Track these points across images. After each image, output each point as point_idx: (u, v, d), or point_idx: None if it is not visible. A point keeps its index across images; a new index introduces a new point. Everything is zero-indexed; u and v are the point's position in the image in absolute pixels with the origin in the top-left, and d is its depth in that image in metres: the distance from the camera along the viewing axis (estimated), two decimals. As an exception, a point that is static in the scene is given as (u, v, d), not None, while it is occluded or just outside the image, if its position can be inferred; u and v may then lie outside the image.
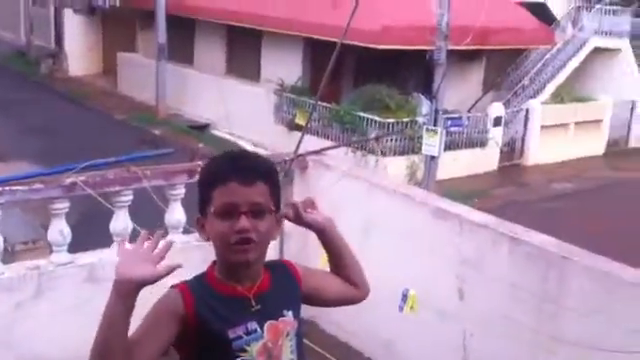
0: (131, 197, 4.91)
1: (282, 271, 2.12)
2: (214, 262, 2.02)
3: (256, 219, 1.91)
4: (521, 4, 18.87)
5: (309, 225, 2.19)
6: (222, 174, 1.93)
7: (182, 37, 20.56)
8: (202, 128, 18.77)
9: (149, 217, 5.03)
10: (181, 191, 5.17)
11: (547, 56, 19.64)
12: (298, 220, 2.16)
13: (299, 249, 5.52)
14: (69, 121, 17.76)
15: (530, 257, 4.38)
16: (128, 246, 1.84)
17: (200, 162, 5.30)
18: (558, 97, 18.74)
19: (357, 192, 5.52)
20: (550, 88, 19.05)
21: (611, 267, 4.10)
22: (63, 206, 4.65)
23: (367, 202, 5.46)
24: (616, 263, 4.17)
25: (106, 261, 4.55)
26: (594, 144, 19.02)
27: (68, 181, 4.63)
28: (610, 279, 4.00)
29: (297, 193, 5.94)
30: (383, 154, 14.78)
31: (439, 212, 4.94)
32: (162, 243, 1.83)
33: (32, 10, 27.25)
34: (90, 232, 5.21)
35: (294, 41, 17.48)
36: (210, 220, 1.94)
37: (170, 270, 1.78)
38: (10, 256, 5.84)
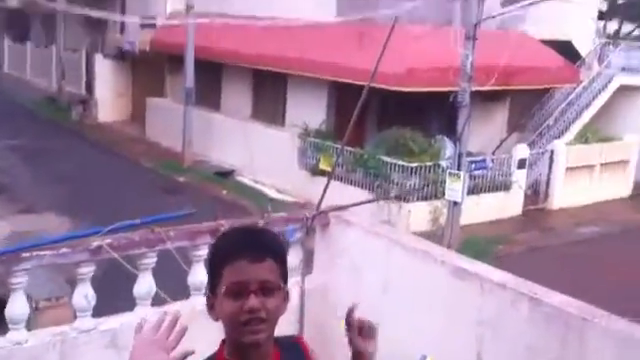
0: (155, 259, 5.00)
1: (294, 352, 2.13)
2: (223, 341, 2.04)
3: (265, 297, 1.93)
4: (546, 42, 18.87)
5: (355, 348, 2.13)
6: (231, 253, 1.95)
7: (210, 81, 20.93)
8: (227, 174, 18.97)
9: (173, 278, 5.14)
10: (204, 252, 5.24)
11: (572, 95, 19.60)
12: (349, 337, 2.13)
13: (319, 310, 5.57)
14: (98, 169, 18.13)
15: (550, 318, 4.37)
16: (145, 328, 1.84)
17: (223, 222, 5.41)
18: (583, 137, 18.60)
19: (377, 249, 5.56)
20: (575, 128, 18.95)
21: (632, 330, 4.08)
22: (89, 270, 4.75)
23: (387, 260, 5.49)
24: (638, 325, 4.14)
25: (128, 326, 4.62)
26: (620, 186, 18.82)
27: (94, 244, 4.73)
28: (631, 343, 3.97)
29: (318, 250, 6.00)
30: (406, 200, 14.80)
31: (459, 271, 4.95)
32: (177, 328, 1.85)
33: (64, 55, 27.95)
34: (114, 293, 5.32)
35: (319, 84, 17.70)
36: (220, 299, 1.96)
37: (183, 357, 1.81)
38: (34, 313, 5.96)
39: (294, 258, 5.79)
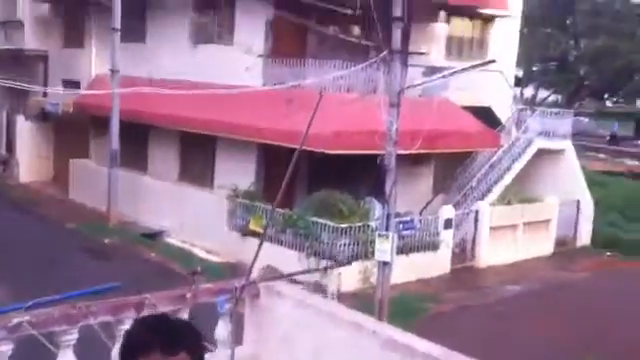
0: (77, 335, 4.82)
1: None
2: None
3: None
4: (467, 108, 19.55)
5: None
6: (144, 345, 1.91)
7: (136, 143, 20.65)
8: (155, 236, 18.59)
9: (96, 355, 4.96)
10: (129, 325, 5.08)
11: (494, 158, 20.22)
12: None
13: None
14: (18, 231, 17.46)
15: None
16: None
17: (148, 295, 5.27)
18: (506, 198, 19.15)
19: (308, 320, 5.52)
20: (498, 189, 19.49)
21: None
22: (7, 348, 4.55)
23: (318, 331, 5.45)
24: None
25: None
26: (543, 244, 19.41)
27: (13, 321, 4.54)
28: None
29: (248, 321, 5.91)
30: (336, 261, 14.83)
31: (388, 342, 4.96)
32: None
33: (-17, 117, 27.25)
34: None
35: (247, 146, 17.73)
36: None
37: None
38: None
39: (223, 330, 5.68)
